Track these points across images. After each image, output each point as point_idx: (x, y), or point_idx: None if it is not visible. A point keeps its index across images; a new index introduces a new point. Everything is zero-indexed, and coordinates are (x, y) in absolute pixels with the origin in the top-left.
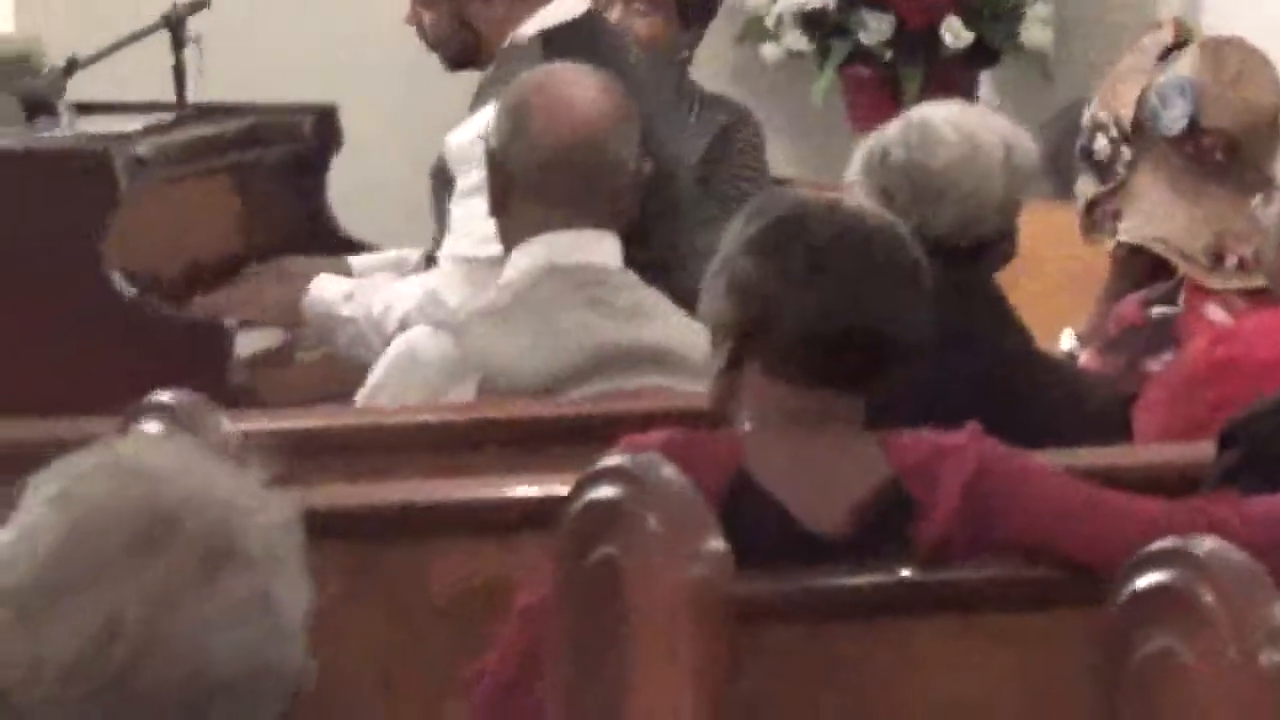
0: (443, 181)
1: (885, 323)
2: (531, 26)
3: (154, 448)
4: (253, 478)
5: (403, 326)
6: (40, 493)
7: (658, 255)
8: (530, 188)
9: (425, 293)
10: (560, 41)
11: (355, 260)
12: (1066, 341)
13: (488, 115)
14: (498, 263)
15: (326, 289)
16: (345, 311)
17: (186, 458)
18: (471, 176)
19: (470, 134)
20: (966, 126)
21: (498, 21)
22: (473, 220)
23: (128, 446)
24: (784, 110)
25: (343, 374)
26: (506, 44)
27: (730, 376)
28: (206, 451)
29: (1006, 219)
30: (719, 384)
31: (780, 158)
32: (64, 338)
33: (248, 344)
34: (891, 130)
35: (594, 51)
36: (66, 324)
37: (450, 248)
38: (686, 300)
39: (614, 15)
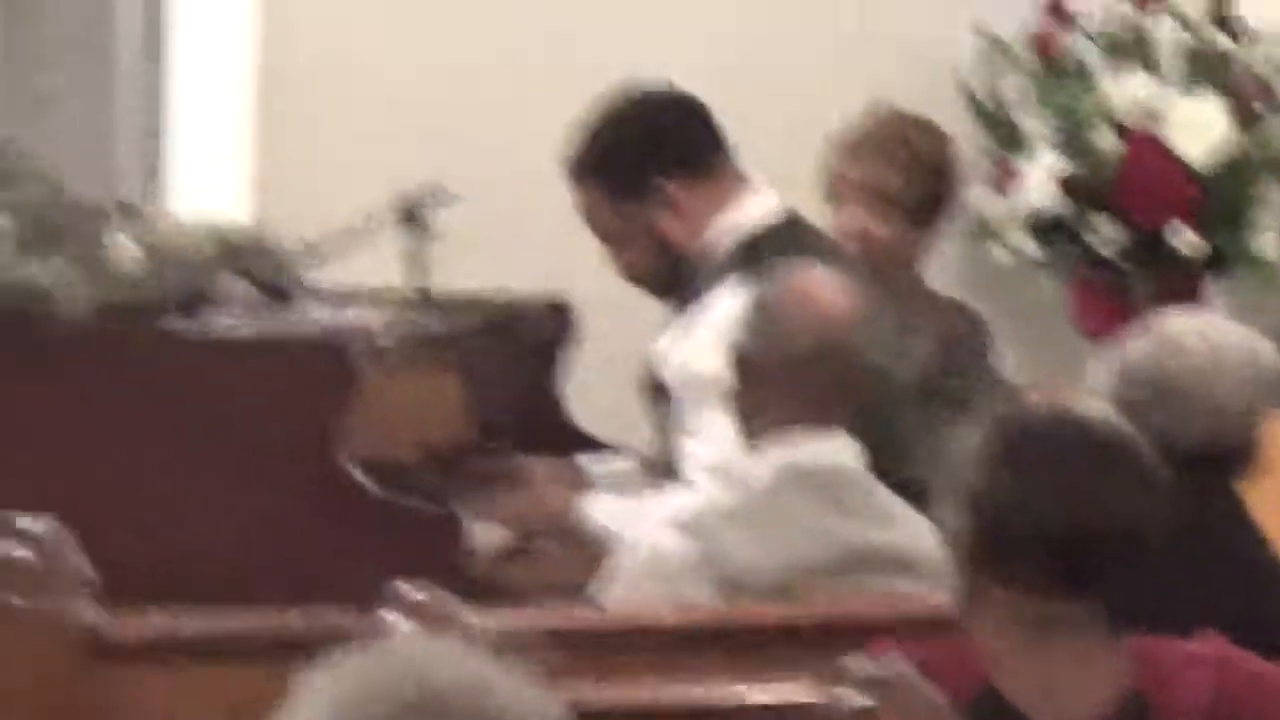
0: (655, 391)
1: (1121, 524)
2: (728, 232)
3: (424, 646)
4: (517, 672)
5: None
6: (314, 688)
7: (885, 457)
8: (777, 388)
9: (692, 510)
10: (762, 248)
11: (595, 469)
12: None
13: (700, 327)
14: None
15: (600, 509)
16: (613, 529)
17: (458, 655)
18: (700, 389)
19: (685, 348)
20: (1211, 336)
21: (693, 228)
22: (715, 429)
23: (400, 644)
24: (1013, 314)
25: (580, 569)
26: (704, 250)
27: (971, 589)
28: (474, 650)
29: (1250, 429)
30: (960, 597)
31: (1009, 362)
32: (299, 525)
33: (488, 535)
34: (1135, 340)
35: (795, 255)
36: (301, 512)
37: (700, 458)
38: (912, 503)
39: (846, 215)
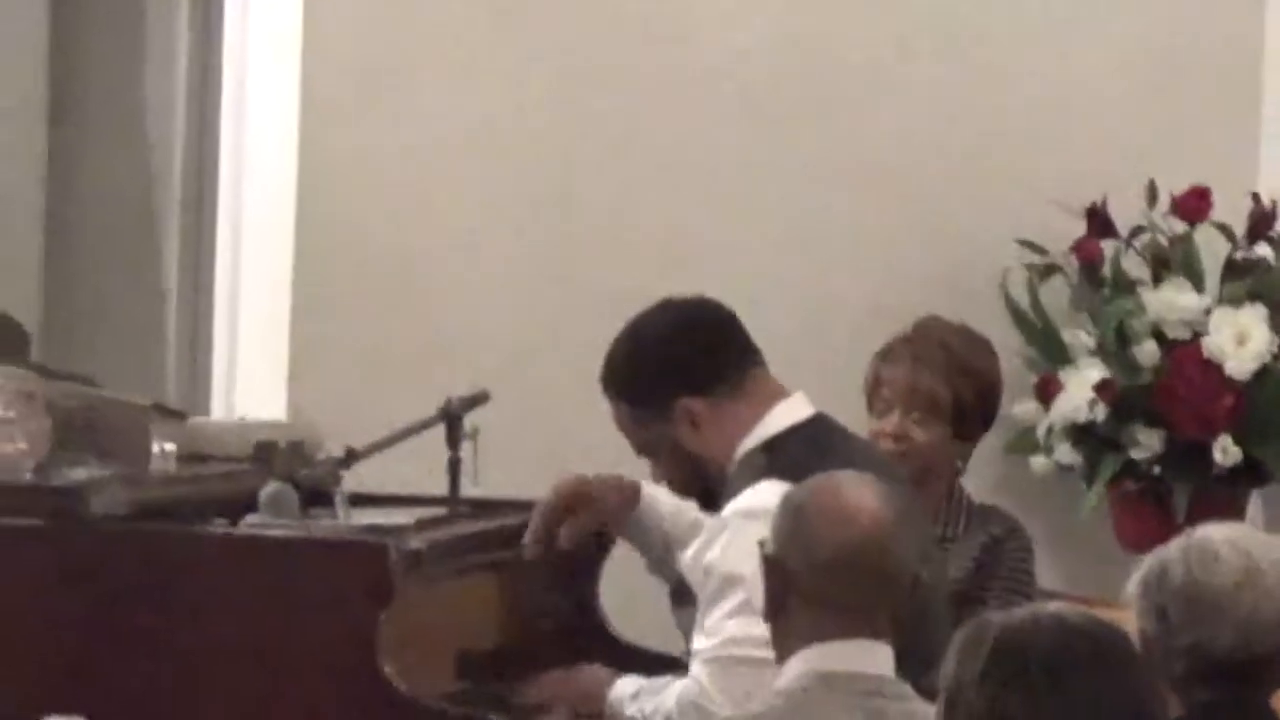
0: (681, 595)
1: (1146, 707)
2: (755, 438)
3: None
4: None
5: None
6: None
7: (917, 664)
8: (808, 592)
9: (684, 701)
10: (782, 447)
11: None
12: None
13: (722, 528)
14: (747, 663)
15: (628, 685)
16: (630, 710)
17: None
18: (710, 584)
19: (701, 547)
20: (1245, 547)
21: (720, 442)
22: (722, 623)
23: None
24: (1051, 523)
25: None
26: (734, 461)
27: None
28: None
29: None
30: None
31: (1046, 570)
32: None
33: None
34: (1170, 550)
35: (819, 454)
36: (339, 714)
37: (701, 651)
38: None
39: (892, 422)
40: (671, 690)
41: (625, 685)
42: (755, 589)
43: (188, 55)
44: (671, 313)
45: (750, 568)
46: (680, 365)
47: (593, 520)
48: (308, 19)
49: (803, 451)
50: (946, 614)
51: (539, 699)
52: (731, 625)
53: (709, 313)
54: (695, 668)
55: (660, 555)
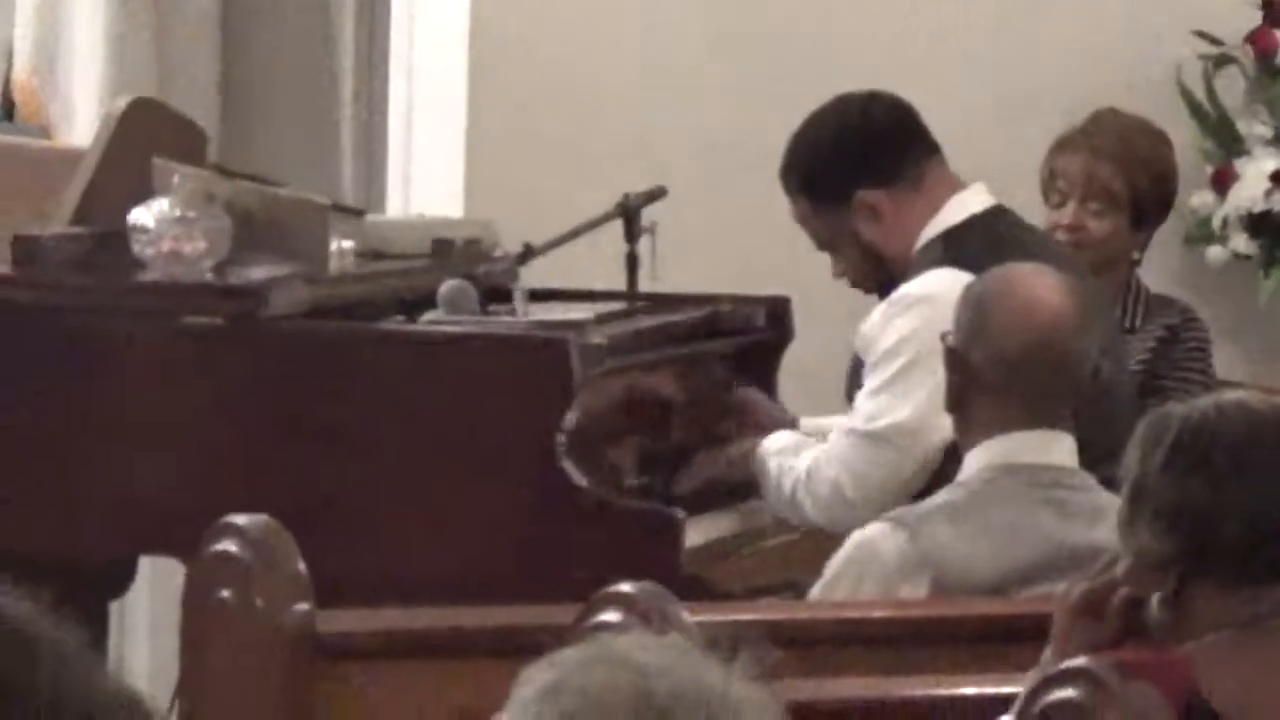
0: (855, 374)
1: None
2: (934, 229)
3: (643, 643)
4: (739, 674)
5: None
6: (532, 685)
7: (1100, 455)
8: (990, 385)
9: (813, 468)
10: (960, 238)
11: (805, 421)
12: None
13: (894, 309)
14: (877, 439)
15: (777, 440)
16: (771, 465)
17: (676, 653)
18: (868, 359)
19: (875, 321)
20: None
21: (899, 235)
22: (865, 400)
23: (619, 641)
24: (1229, 312)
25: (795, 564)
26: (915, 255)
27: (1178, 604)
28: (692, 648)
29: None
30: (1164, 615)
31: (1226, 360)
32: (517, 523)
33: (698, 534)
34: None
35: (996, 245)
36: (520, 509)
37: (846, 422)
38: None
39: (1068, 214)
40: (806, 455)
41: (778, 438)
42: (911, 370)
43: None
44: (849, 106)
45: (909, 349)
46: (859, 156)
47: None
48: None
49: (981, 242)
50: (1129, 405)
51: (698, 471)
52: (871, 404)
53: (886, 105)
54: (832, 437)
55: None
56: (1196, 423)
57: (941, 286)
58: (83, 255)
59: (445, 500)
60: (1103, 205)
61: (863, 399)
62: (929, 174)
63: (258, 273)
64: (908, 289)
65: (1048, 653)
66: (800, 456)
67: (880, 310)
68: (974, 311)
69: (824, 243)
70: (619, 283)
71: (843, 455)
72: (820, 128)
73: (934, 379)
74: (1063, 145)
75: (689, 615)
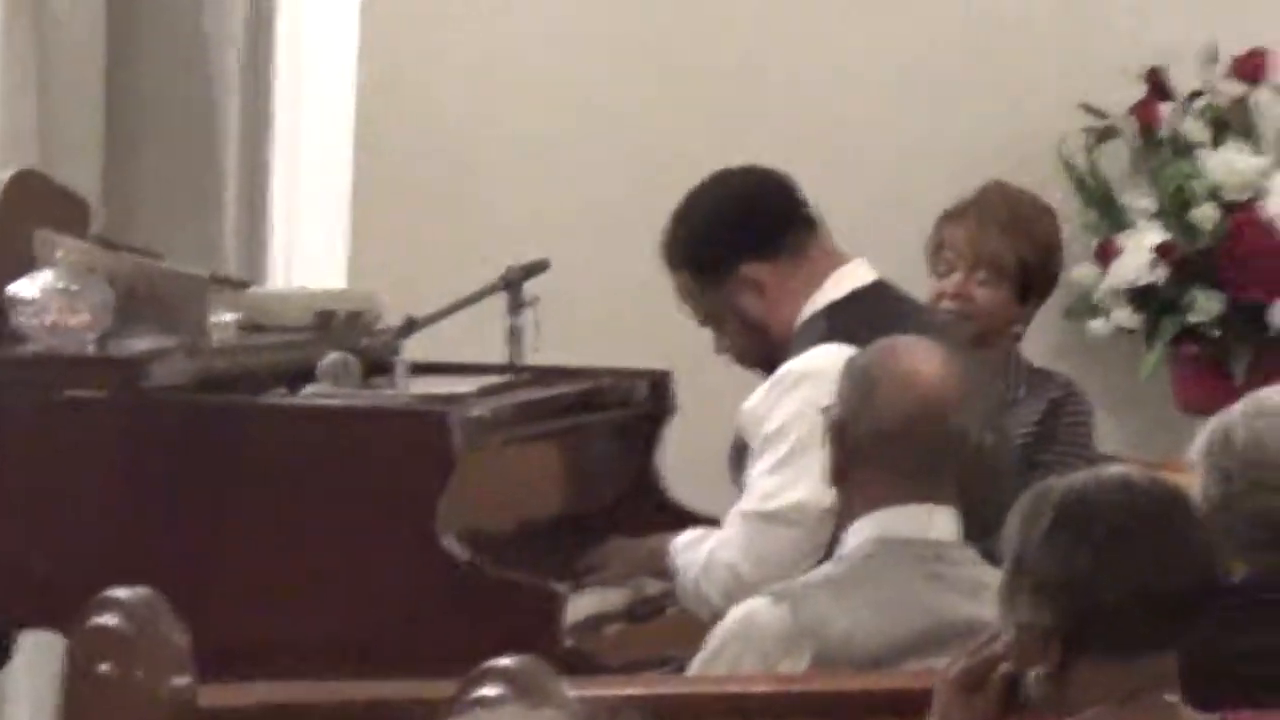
0: (738, 454)
1: (1203, 570)
2: (817, 304)
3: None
4: None
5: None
6: None
7: (979, 528)
8: (872, 458)
9: (714, 557)
10: (843, 313)
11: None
12: None
13: (779, 387)
14: (775, 518)
15: (685, 536)
16: (680, 561)
17: None
18: (755, 440)
19: (760, 400)
20: None
21: (782, 309)
22: (758, 479)
23: (497, 715)
24: (1111, 386)
25: (677, 639)
26: (798, 326)
27: (1059, 677)
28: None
29: None
30: (1045, 688)
31: (1108, 434)
32: (399, 596)
33: (584, 606)
34: (1233, 412)
35: (879, 320)
36: (401, 582)
37: (739, 505)
38: None
39: (954, 283)
40: (707, 544)
41: (686, 535)
42: (802, 448)
43: None
44: (732, 180)
45: (798, 427)
46: (743, 230)
47: None
48: None
49: (864, 316)
50: (1011, 479)
51: (603, 562)
52: (765, 483)
53: (769, 179)
54: (728, 522)
55: None
56: (1077, 496)
57: (826, 362)
58: None
59: (327, 573)
60: (989, 275)
61: (756, 479)
62: (812, 248)
63: (140, 345)
64: (792, 366)
65: None
66: (700, 549)
67: (765, 388)
68: (856, 384)
69: (706, 317)
70: (501, 356)
71: (739, 539)
72: (702, 202)
73: (824, 455)
74: (950, 216)
75: (569, 689)
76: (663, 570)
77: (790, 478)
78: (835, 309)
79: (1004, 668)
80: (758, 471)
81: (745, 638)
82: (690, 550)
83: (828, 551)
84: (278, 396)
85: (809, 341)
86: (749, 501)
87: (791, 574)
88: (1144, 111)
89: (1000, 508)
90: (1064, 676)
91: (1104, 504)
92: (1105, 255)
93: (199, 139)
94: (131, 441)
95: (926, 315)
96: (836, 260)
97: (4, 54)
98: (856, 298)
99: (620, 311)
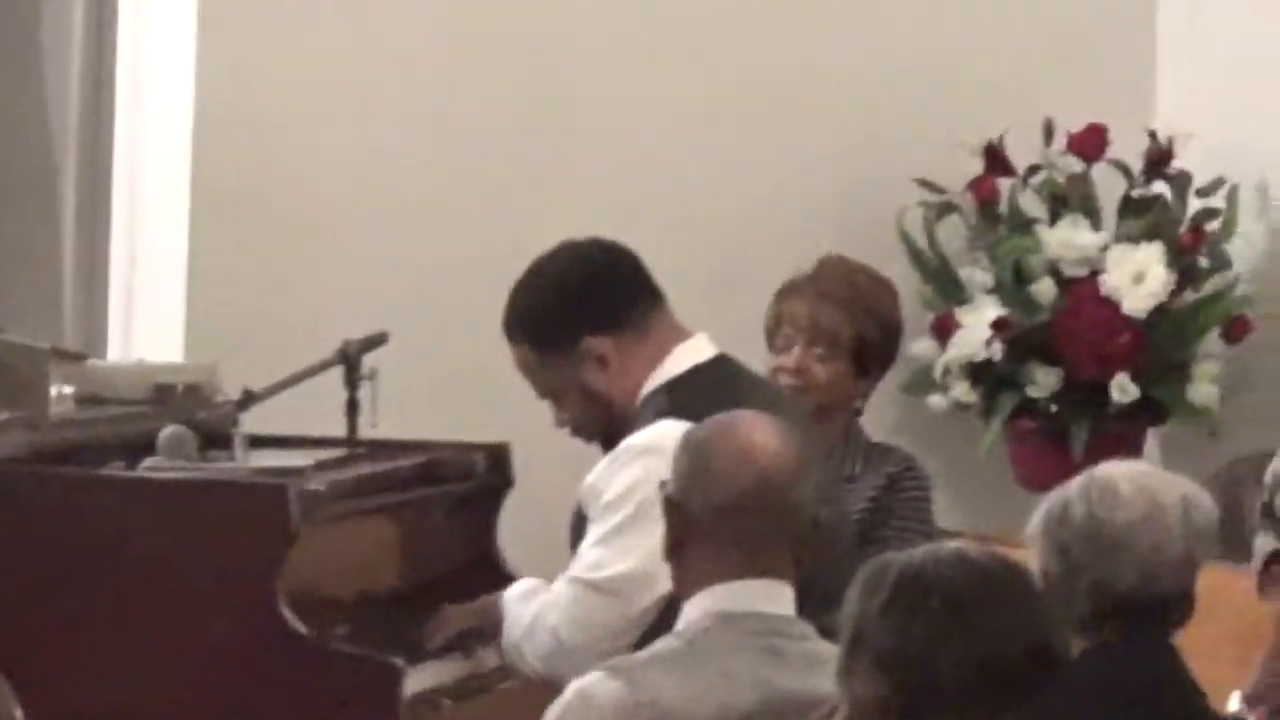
0: (579, 528)
1: (1041, 642)
2: (658, 379)
3: None
4: None
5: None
6: None
7: (817, 603)
8: (707, 533)
9: (538, 619)
10: (684, 388)
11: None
12: (1234, 703)
13: (618, 461)
14: (600, 588)
15: (519, 586)
16: (510, 613)
17: None
18: (591, 511)
19: (600, 473)
20: (1147, 485)
21: (624, 383)
22: (589, 549)
23: None
24: (949, 462)
25: (515, 713)
26: (637, 402)
27: None
28: None
29: (1185, 578)
30: None
31: (945, 510)
32: (238, 668)
33: (423, 679)
34: (1071, 488)
35: (719, 395)
36: (240, 655)
37: (569, 570)
38: None
39: (793, 357)
40: (533, 604)
41: (520, 585)
42: (636, 521)
43: None
44: (573, 253)
45: (634, 500)
46: (585, 304)
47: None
48: None
49: (704, 392)
50: (849, 553)
51: (437, 625)
52: (595, 553)
53: (611, 253)
54: (556, 585)
55: None
56: (915, 570)
57: (667, 438)
58: None
59: (167, 646)
60: (827, 350)
61: (587, 548)
62: (655, 321)
63: None
64: (632, 441)
65: None
66: (529, 604)
67: (605, 462)
68: (692, 459)
69: (546, 391)
70: (339, 429)
71: (564, 604)
72: (545, 275)
73: (659, 529)
74: (788, 290)
75: None
76: (496, 621)
77: (620, 550)
78: (676, 384)
79: None
80: (590, 540)
81: (582, 712)
82: (521, 603)
83: (665, 624)
84: (116, 469)
85: (650, 417)
86: (578, 568)
87: (614, 643)
88: (981, 187)
89: (837, 583)
90: None
91: (940, 577)
92: (943, 330)
93: (37, 212)
94: None
95: (766, 390)
96: (679, 335)
97: None
98: (698, 372)
99: (459, 384)
